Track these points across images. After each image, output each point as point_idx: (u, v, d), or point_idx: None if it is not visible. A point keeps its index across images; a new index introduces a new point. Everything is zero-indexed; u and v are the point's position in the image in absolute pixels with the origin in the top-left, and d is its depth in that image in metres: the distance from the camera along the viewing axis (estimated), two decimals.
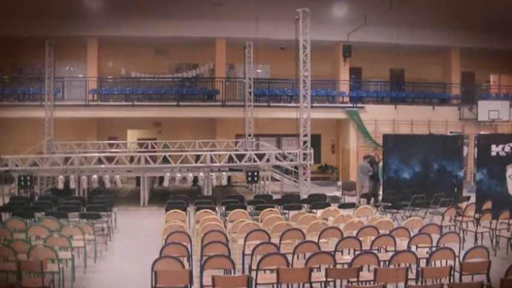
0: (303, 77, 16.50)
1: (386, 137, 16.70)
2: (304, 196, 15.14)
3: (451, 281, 6.57)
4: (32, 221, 10.69)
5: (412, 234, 8.54)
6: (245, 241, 8.11)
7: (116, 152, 19.02)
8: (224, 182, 16.95)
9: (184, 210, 11.21)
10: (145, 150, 20.56)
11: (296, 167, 17.75)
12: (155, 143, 22.39)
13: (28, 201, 13.73)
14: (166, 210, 10.83)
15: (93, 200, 13.20)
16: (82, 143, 21.12)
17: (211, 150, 20.84)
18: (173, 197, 13.62)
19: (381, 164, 16.05)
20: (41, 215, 11.00)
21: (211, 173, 16.41)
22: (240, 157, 17.25)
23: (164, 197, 16.70)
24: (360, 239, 8.27)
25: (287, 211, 11.94)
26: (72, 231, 8.87)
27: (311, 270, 6.49)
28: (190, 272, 6.33)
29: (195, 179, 17.37)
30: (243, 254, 7.97)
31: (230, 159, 17.20)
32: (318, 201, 12.84)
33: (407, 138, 18.15)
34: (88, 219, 10.41)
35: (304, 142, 16.60)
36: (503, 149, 13.86)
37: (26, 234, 8.82)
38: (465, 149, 20.78)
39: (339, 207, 12.15)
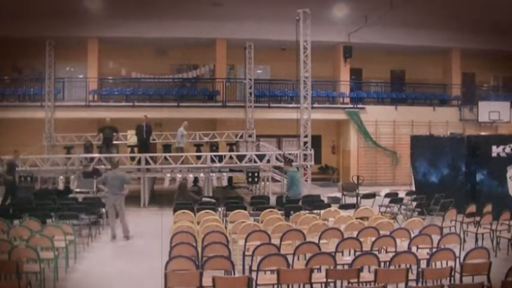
0: (303, 77, 16.51)
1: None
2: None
3: (452, 282, 6.56)
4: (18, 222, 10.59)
5: (412, 235, 8.54)
6: (245, 242, 8.11)
7: (117, 152, 19.03)
8: (224, 183, 16.94)
9: (192, 210, 11.14)
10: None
11: (297, 168, 17.73)
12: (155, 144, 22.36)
13: (29, 201, 13.71)
14: (174, 211, 10.83)
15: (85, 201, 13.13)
16: (82, 135, 21.05)
17: (212, 144, 20.83)
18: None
19: None
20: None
21: (211, 174, 16.40)
22: (241, 158, 17.25)
23: (165, 198, 16.74)
24: (361, 239, 8.26)
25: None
26: (54, 231, 8.82)
27: (311, 271, 6.48)
28: (201, 273, 6.29)
29: (196, 180, 17.37)
30: (244, 255, 7.97)
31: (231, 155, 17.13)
32: (312, 203, 12.81)
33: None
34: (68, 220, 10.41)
35: (305, 143, 16.61)
36: (503, 150, 13.88)
37: (7, 235, 8.84)
38: None
39: (340, 207, 12.16)
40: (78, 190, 14.90)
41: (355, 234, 8.80)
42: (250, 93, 22.12)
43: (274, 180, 18.53)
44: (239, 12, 21.48)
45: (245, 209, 11.47)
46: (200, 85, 24.60)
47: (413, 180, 16.69)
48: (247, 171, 16.34)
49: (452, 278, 6.61)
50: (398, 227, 9.79)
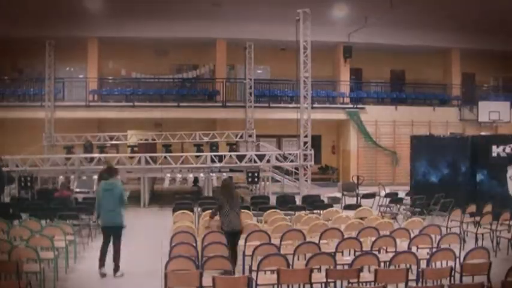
0: (303, 77, 16.50)
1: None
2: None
3: (452, 282, 6.56)
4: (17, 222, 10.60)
5: (412, 235, 8.54)
6: (245, 242, 8.11)
7: (117, 152, 19.04)
8: None
9: (192, 211, 11.16)
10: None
11: (296, 168, 17.74)
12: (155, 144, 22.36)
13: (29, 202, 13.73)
14: (174, 211, 10.83)
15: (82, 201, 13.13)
16: (82, 135, 21.08)
17: (212, 144, 20.81)
18: (179, 197, 13.58)
19: None
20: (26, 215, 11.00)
21: (211, 174, 16.39)
22: (241, 158, 17.24)
23: (164, 198, 16.74)
24: (361, 239, 8.26)
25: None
26: (54, 231, 8.82)
27: (311, 271, 6.49)
28: (201, 273, 6.29)
29: (196, 180, 17.35)
30: (244, 255, 7.97)
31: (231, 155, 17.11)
32: (312, 203, 12.79)
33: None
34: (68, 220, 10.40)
35: (305, 143, 16.60)
36: (503, 150, 13.86)
37: (7, 235, 8.84)
38: None
39: (344, 208, 12.16)
40: (78, 190, 14.90)
41: (355, 234, 8.80)
42: (250, 93, 22.12)
43: (274, 180, 18.52)
44: (239, 12, 21.47)
45: (248, 209, 11.44)
46: (200, 85, 24.60)
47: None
48: (247, 171, 16.34)
49: (452, 278, 6.61)
50: (398, 227, 9.79)
